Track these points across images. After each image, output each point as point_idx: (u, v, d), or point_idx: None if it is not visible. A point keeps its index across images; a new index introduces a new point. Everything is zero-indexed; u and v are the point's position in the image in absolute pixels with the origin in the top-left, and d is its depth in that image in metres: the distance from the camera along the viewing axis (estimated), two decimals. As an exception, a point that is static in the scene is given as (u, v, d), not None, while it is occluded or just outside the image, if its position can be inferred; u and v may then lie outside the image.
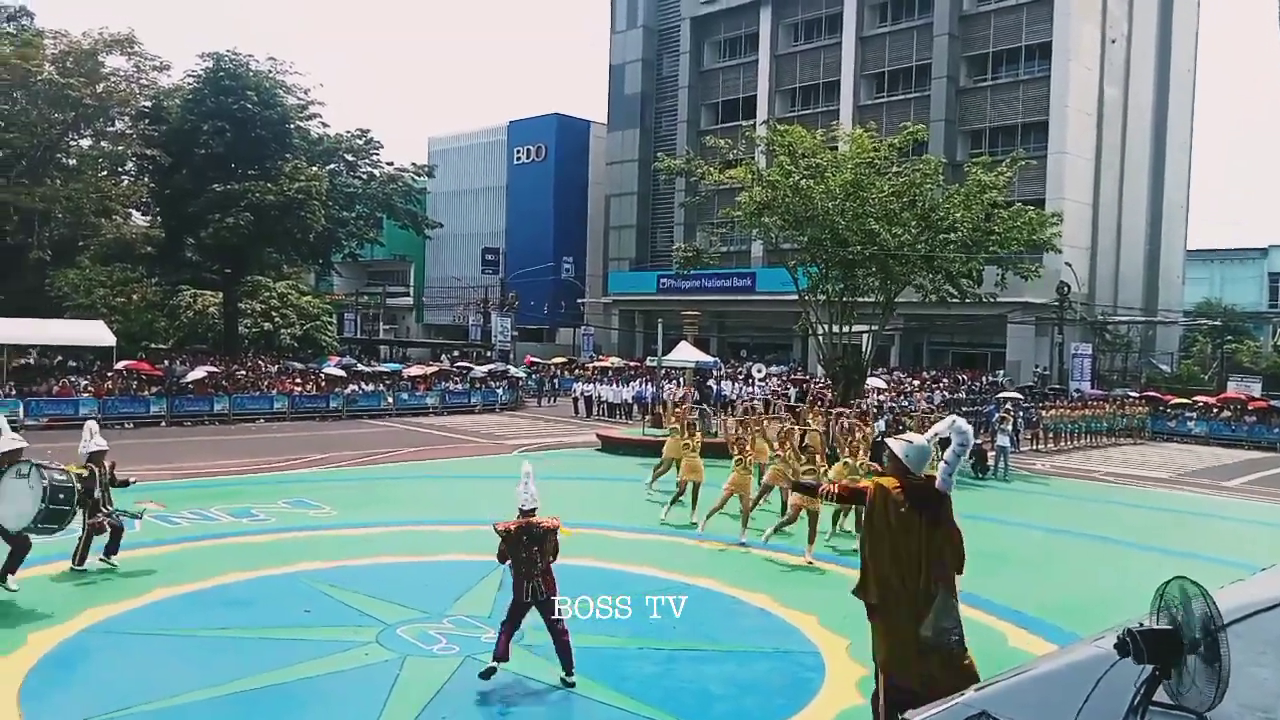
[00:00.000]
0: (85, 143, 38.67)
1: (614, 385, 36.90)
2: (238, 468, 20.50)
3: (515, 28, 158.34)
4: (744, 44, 53.62)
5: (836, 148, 27.52)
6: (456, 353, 52.08)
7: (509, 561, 8.25)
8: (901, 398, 32.43)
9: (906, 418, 23.68)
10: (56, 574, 10.88)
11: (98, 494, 11.00)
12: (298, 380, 35.06)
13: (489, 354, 49.53)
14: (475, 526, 13.20)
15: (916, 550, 5.94)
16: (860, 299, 27.06)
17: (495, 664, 8.02)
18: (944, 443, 6.38)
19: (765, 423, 17.95)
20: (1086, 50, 42.23)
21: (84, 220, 36.51)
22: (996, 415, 24.70)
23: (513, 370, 42.08)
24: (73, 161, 37.97)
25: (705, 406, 26.29)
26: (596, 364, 45.21)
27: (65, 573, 10.96)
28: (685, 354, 28.83)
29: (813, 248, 26.41)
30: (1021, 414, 27.92)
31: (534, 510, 8.43)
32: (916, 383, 36.70)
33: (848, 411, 22.98)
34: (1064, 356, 38.93)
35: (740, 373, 39.77)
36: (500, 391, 38.52)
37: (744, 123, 42.04)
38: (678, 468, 16.53)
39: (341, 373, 36.48)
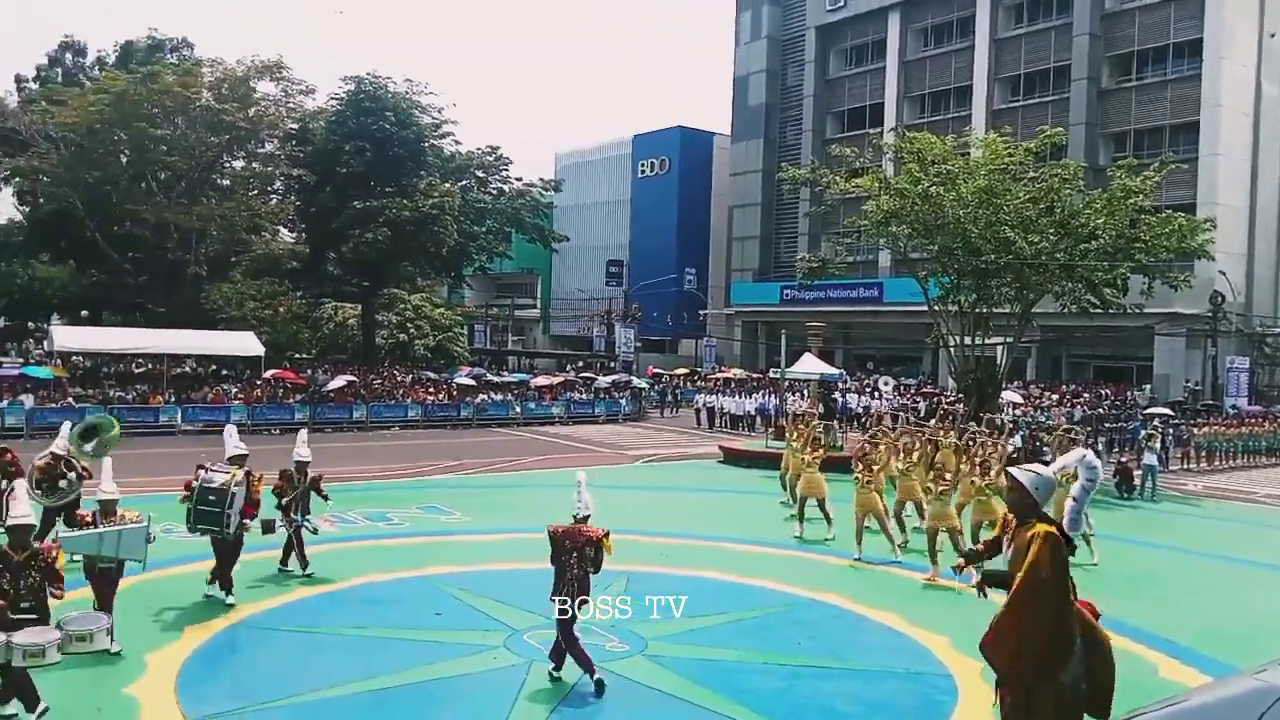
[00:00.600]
0: (238, 164, 41.10)
1: (736, 397, 36.69)
2: (375, 473, 21.31)
3: (640, 43, 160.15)
4: (871, 51, 52.68)
5: (968, 154, 26.68)
6: (581, 363, 52.85)
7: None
8: (1038, 412, 31.10)
9: (1044, 433, 22.69)
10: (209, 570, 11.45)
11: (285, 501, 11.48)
12: (430, 389, 36.24)
13: (613, 365, 50.04)
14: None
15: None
16: (994, 309, 26.11)
17: (598, 676, 8.07)
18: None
19: (895, 438, 17.46)
20: (1242, 46, 39.70)
21: (236, 237, 38.78)
22: (1144, 432, 23.39)
23: (636, 381, 42.39)
24: (226, 182, 40.40)
25: (830, 421, 25.84)
26: (719, 375, 45.08)
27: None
28: (809, 366, 28.42)
29: (943, 257, 25.65)
30: (1171, 431, 26.36)
31: (586, 518, 8.46)
32: (1055, 397, 35.12)
33: (979, 427, 22.22)
34: (1218, 370, 36.56)
35: (866, 385, 38.95)
36: (623, 402, 38.84)
37: (871, 131, 41.25)
38: (793, 483, 16.32)
39: (472, 382, 37.51)
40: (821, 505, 14.86)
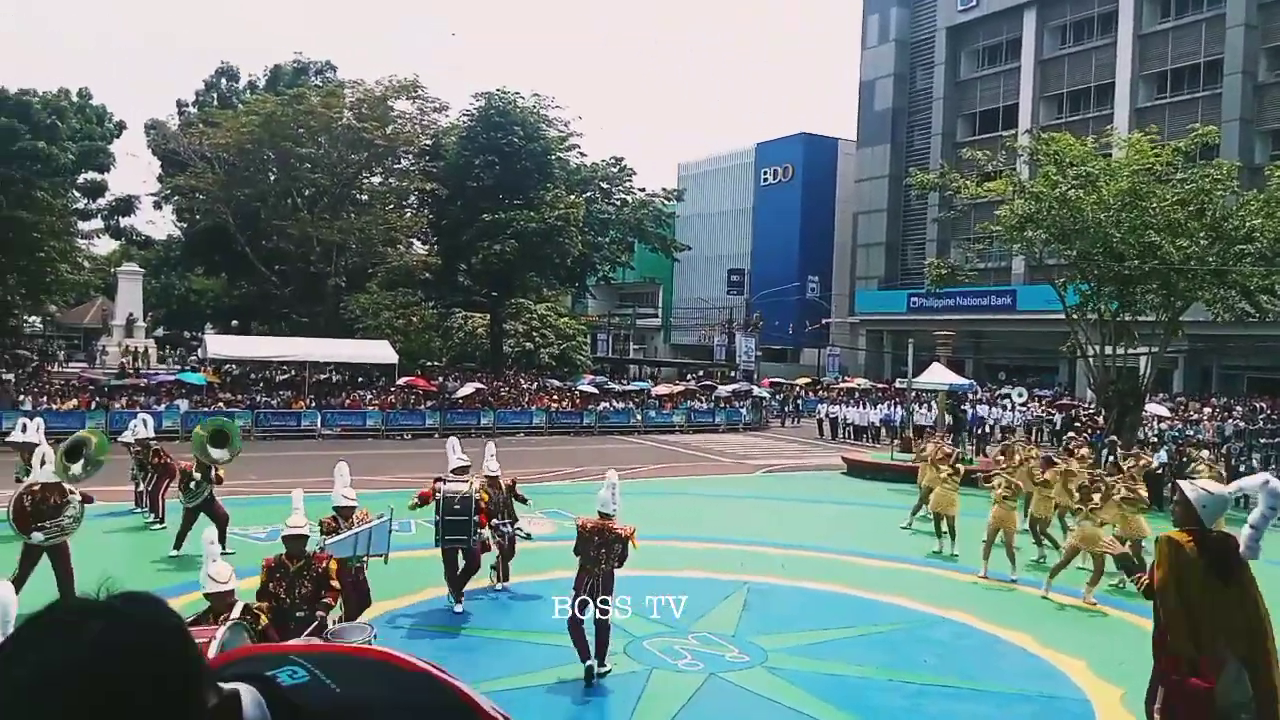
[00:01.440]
0: (375, 180, 42.89)
1: (860, 407, 36.00)
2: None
3: (763, 51, 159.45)
4: (1005, 50, 50.93)
5: (1110, 155, 25.45)
6: (701, 372, 52.84)
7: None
8: (1186, 426, 29.34)
9: (1192, 448, 21.39)
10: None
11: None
12: (554, 397, 36.92)
13: (733, 374, 49.85)
14: (718, 544, 13.37)
15: (1211, 613, 5.27)
16: (1138, 318, 24.78)
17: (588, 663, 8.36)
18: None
19: (1029, 452, 16.75)
20: None
21: (373, 250, 40.48)
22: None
23: (756, 390, 42.10)
24: (365, 197, 42.22)
25: (958, 435, 25.04)
26: (842, 385, 44.32)
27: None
28: (938, 376, 27.62)
29: (1082, 263, 24.53)
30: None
31: (611, 515, 8.73)
32: (1206, 411, 33.07)
33: (1120, 440, 21.14)
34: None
35: (998, 396, 37.59)
36: (744, 411, 38.64)
37: (1004, 133, 39.79)
38: (927, 500, 15.89)
39: (594, 390, 38.03)
40: (950, 522, 14.43)
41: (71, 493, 10.41)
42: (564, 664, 9.00)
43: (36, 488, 10.11)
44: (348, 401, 32.68)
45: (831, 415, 36.30)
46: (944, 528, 14.56)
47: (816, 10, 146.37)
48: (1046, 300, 30.45)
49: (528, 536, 11.85)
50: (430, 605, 10.89)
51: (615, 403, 37.44)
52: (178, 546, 12.84)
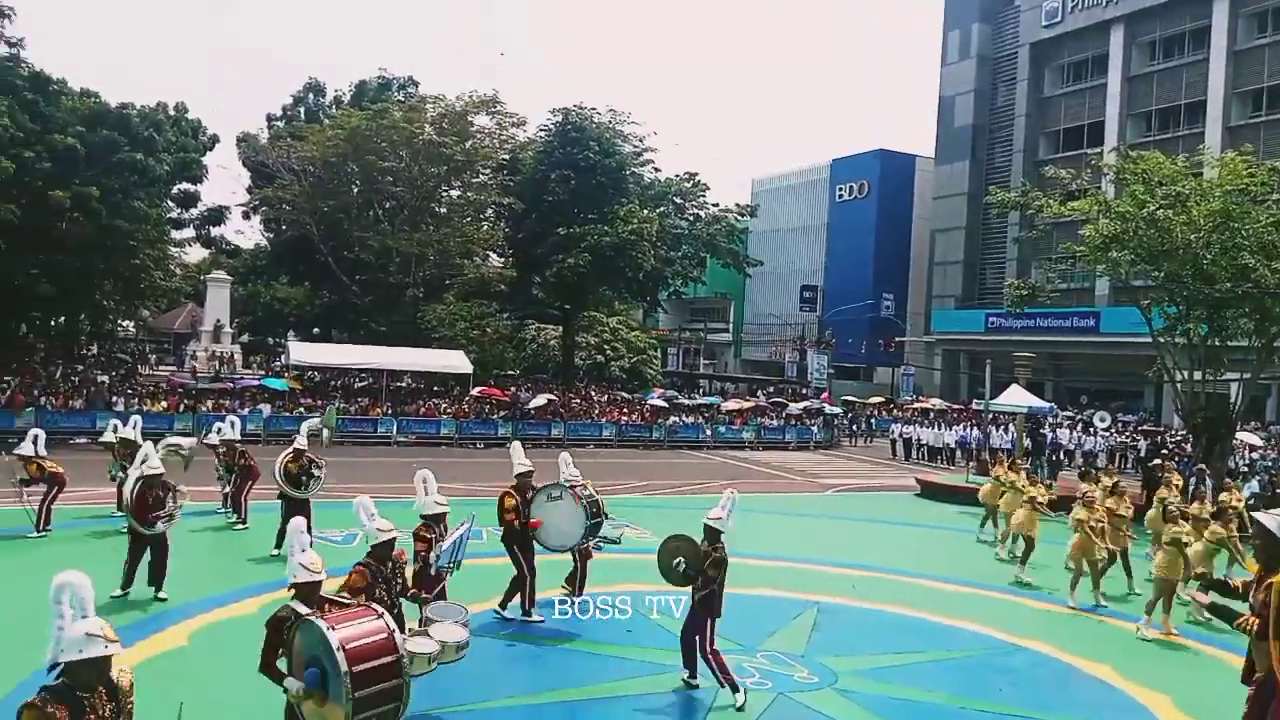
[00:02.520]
0: (454, 193, 43.70)
1: (935, 428, 35.35)
2: (569, 490, 21.95)
3: (840, 67, 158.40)
4: (1091, 67, 49.72)
5: (1201, 174, 24.61)
6: (772, 389, 52.48)
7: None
8: (1281, 457, 28.15)
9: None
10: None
11: None
12: (624, 410, 37.07)
13: (804, 391, 49.42)
14: (787, 563, 13.26)
15: None
16: (1229, 342, 23.87)
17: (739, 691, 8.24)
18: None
19: (1111, 481, 16.21)
20: None
21: (450, 261, 41.21)
22: None
23: (828, 408, 41.68)
24: (443, 210, 43.03)
25: (1038, 458, 24.42)
26: (917, 405, 43.61)
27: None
28: (1016, 398, 27.00)
29: (1170, 285, 23.72)
30: None
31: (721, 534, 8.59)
32: (1301, 440, 31.69)
33: (1209, 469, 20.39)
34: None
35: (1079, 420, 36.55)
36: (815, 429, 38.27)
37: (1089, 151, 38.84)
38: (1005, 519, 15.54)
39: (664, 404, 38.08)
40: (1029, 545, 14.09)
41: (174, 488, 11.27)
42: (630, 677, 9.04)
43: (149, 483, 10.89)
44: (423, 410, 33.27)
45: (905, 435, 35.72)
46: (1019, 548, 14.21)
47: (894, 26, 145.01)
48: (1132, 323, 29.56)
49: (618, 540, 12.00)
50: (493, 614, 11.00)
51: (685, 417, 37.44)
52: (279, 546, 13.17)
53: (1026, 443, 25.94)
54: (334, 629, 5.48)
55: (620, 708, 8.40)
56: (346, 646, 5.41)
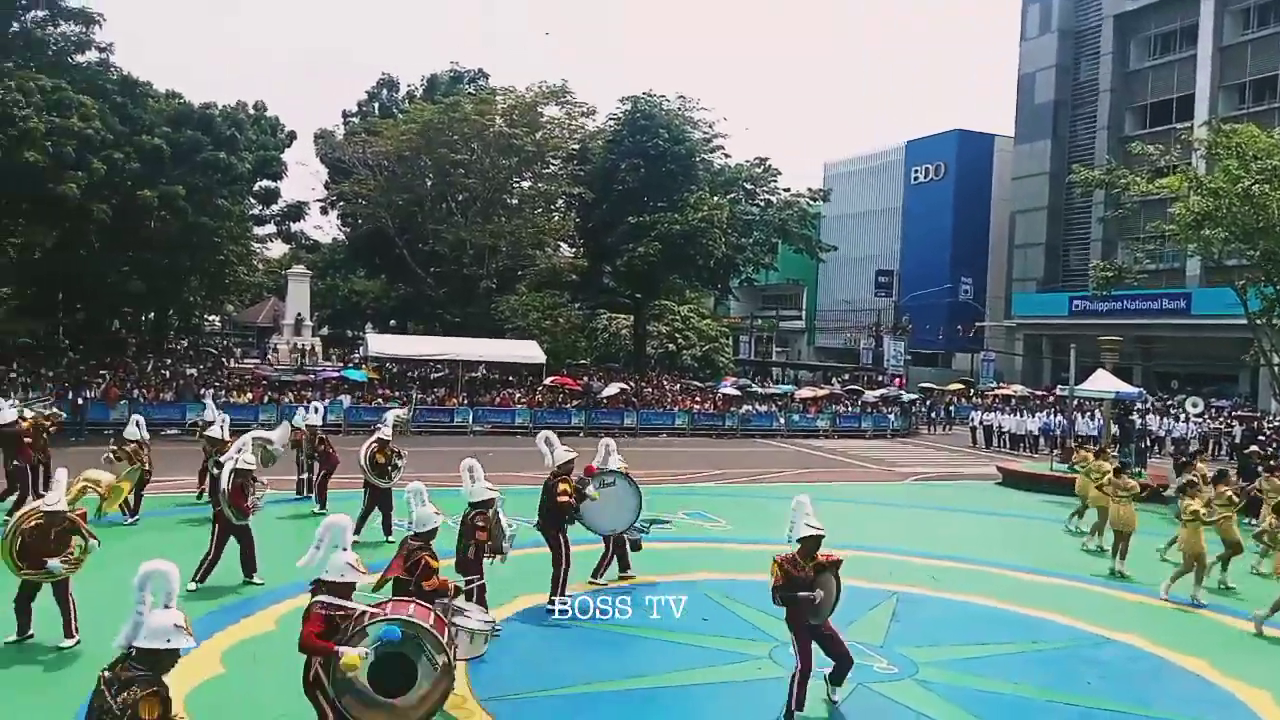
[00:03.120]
0: (525, 184, 44.05)
1: (1017, 415, 34.45)
2: (643, 478, 21.94)
3: (913, 47, 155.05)
4: (1179, 38, 47.75)
5: (1301, 147, 23.44)
6: (847, 376, 51.78)
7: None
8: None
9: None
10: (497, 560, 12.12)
11: None
12: (697, 398, 36.96)
13: (880, 378, 48.63)
14: (863, 552, 13.00)
15: None
16: (1332, 323, 22.76)
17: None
18: None
19: (1204, 469, 15.55)
20: None
21: (522, 252, 41.57)
22: None
23: (905, 395, 40.96)
24: (515, 201, 43.41)
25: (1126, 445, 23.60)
26: (997, 391, 42.58)
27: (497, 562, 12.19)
28: (1102, 384, 26.09)
29: (1267, 264, 22.71)
30: None
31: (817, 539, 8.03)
32: None
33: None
34: None
35: (1170, 406, 35.25)
36: (892, 417, 37.64)
37: (1178, 125, 37.44)
38: (1094, 510, 15.04)
39: (736, 393, 37.85)
40: (1126, 540, 13.57)
41: (259, 480, 11.75)
42: (708, 665, 8.98)
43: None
44: (497, 399, 33.66)
45: (985, 423, 34.90)
46: (1114, 544, 13.71)
47: (970, 3, 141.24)
48: (1226, 304, 28.41)
49: (647, 530, 12.16)
50: (573, 602, 11.02)
51: (758, 406, 37.17)
52: (388, 532, 13.43)
53: (1114, 429, 25.07)
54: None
55: (696, 696, 8.36)
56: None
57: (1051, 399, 36.82)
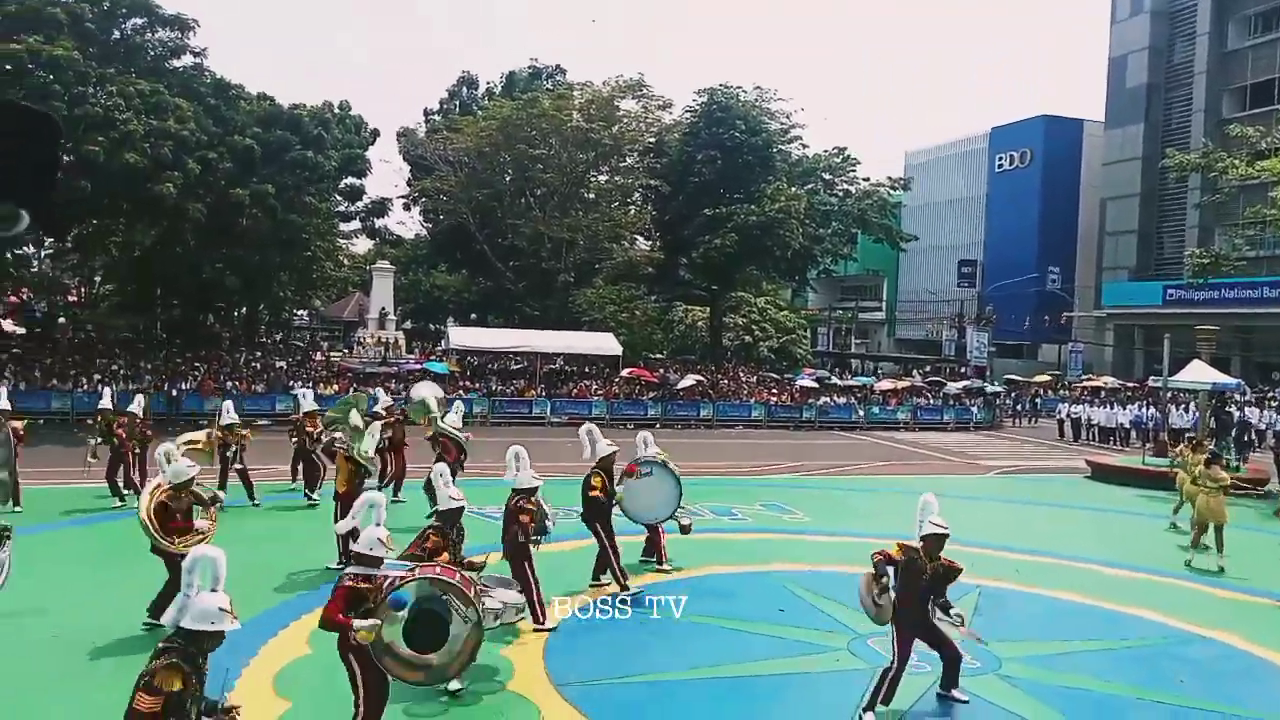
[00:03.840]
0: (602, 178, 44.24)
1: (1108, 407, 33.38)
2: (720, 469, 22.01)
3: (997, 31, 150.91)
4: (1282, 15, 45.56)
5: None
6: (928, 368, 50.82)
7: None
8: None
9: None
10: (572, 549, 12.21)
11: None
12: (774, 390, 36.73)
13: (963, 370, 47.61)
14: (951, 546, 12.77)
15: None
16: None
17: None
18: None
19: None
20: None
21: (599, 246, 41.80)
22: None
23: (989, 387, 40.01)
24: (592, 195, 43.66)
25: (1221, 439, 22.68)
26: (1086, 383, 41.32)
27: (575, 551, 12.36)
28: (1199, 375, 25.10)
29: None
30: None
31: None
32: None
33: None
34: None
35: (1271, 398, 33.73)
36: (975, 409, 36.85)
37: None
38: (1191, 504, 14.52)
39: (814, 384, 37.49)
40: (1219, 533, 13.11)
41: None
42: (785, 656, 8.97)
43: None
44: (575, 391, 33.98)
45: (1074, 415, 33.90)
46: (1208, 538, 13.24)
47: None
48: (1333, 291, 27.06)
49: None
50: (643, 591, 11.12)
51: (836, 398, 36.77)
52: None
53: (1211, 422, 24.12)
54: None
55: (774, 686, 8.35)
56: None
57: (1144, 391, 35.59)
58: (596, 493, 10.63)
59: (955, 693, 7.90)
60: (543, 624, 9.25)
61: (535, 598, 9.12)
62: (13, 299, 40.67)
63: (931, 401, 37.63)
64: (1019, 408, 40.12)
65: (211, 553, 5.09)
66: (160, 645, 4.74)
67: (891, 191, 50.74)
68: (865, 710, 7.53)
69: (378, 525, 6.58)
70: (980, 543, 13.90)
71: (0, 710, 7.15)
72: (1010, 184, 59.73)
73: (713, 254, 38.68)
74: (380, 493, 7.44)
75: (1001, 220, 60.08)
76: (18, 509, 13.94)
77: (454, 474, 15.83)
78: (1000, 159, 60.96)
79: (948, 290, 60.66)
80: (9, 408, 14.83)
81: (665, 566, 11.78)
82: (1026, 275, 54.95)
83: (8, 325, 39.15)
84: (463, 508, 8.09)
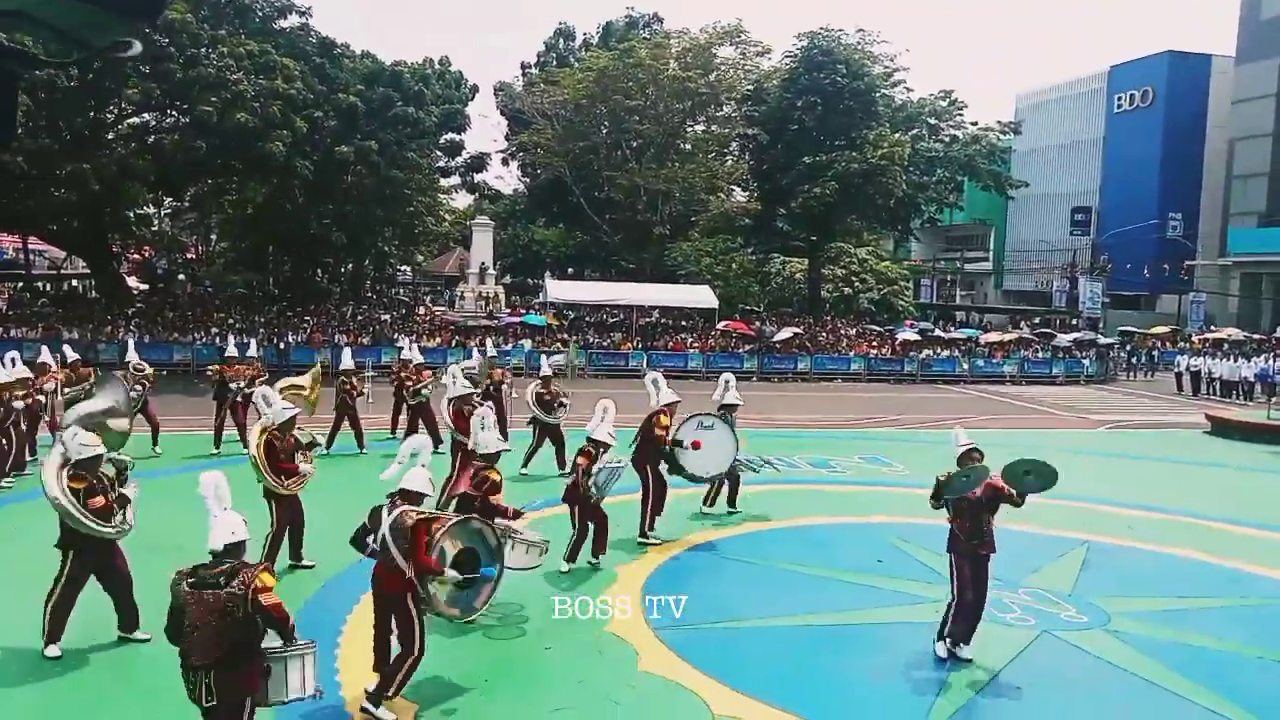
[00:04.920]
0: (699, 128, 43.73)
1: (1231, 360, 31.68)
2: (818, 422, 21.74)
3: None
4: None
5: None
6: (1037, 320, 49.05)
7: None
8: None
9: None
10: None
11: None
12: (874, 343, 36.04)
13: (1074, 321, 45.80)
14: (1051, 500, 12.38)
15: None
16: None
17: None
18: None
19: None
20: None
21: (695, 198, 41.46)
22: None
23: (1102, 339, 38.39)
24: (688, 146, 43.22)
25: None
26: (1209, 335, 39.29)
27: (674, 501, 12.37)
28: (1334, 325, 23.61)
29: None
30: None
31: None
32: None
33: None
34: None
35: None
36: (1086, 362, 35.46)
37: None
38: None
39: (917, 337, 36.64)
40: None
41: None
42: (883, 606, 8.87)
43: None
44: (671, 344, 33.99)
45: (1194, 369, 32.30)
46: None
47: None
48: None
49: (757, 470, 12.39)
50: (740, 539, 11.12)
51: (939, 350, 35.85)
52: (561, 465, 13.96)
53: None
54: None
55: (873, 635, 8.27)
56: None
57: (1271, 343, 33.64)
58: (661, 432, 10.76)
59: (941, 645, 7.65)
60: (570, 561, 9.54)
61: (576, 540, 9.58)
62: (136, 257, 42.80)
63: (1040, 354, 36.37)
64: (1134, 360, 38.43)
65: (217, 477, 5.61)
66: (203, 575, 5.11)
67: (1001, 136, 48.76)
68: (936, 639, 7.67)
69: (423, 466, 6.92)
70: (1089, 498, 13.44)
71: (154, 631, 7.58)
72: (1130, 125, 56.62)
73: (812, 204, 37.93)
74: (425, 438, 7.77)
75: (1119, 164, 57.10)
76: (156, 450, 14.85)
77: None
78: (1119, 98, 57.77)
79: (1060, 239, 58.22)
80: (138, 359, 15.65)
81: (712, 510, 11.96)
82: (1146, 222, 52.25)
83: (132, 282, 41.21)
84: (500, 452, 8.18)
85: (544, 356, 16.77)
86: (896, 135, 39.94)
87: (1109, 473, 16.41)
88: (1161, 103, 54.74)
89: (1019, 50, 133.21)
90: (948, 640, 7.57)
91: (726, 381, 12.16)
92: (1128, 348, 39.54)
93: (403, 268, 61.96)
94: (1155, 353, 39.17)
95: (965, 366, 34.20)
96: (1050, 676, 7.39)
